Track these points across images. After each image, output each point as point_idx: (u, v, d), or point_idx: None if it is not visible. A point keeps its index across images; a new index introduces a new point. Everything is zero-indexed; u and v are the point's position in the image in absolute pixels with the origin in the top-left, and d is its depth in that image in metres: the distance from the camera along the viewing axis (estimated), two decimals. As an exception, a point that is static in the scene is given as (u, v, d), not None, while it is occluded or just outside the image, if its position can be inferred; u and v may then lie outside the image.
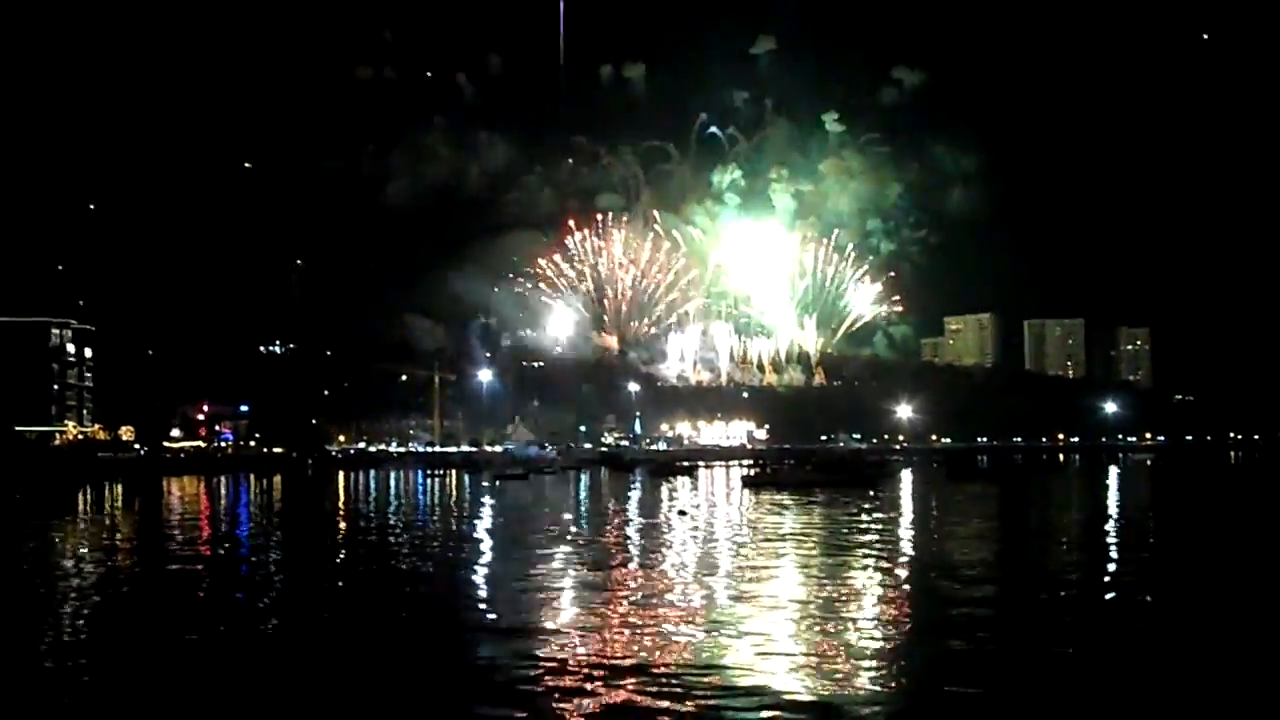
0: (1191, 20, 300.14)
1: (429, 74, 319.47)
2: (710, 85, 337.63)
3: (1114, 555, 41.59)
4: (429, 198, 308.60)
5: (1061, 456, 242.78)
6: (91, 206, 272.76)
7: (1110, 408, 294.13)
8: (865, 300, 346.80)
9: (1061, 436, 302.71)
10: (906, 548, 44.13)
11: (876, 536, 47.44)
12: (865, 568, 36.37)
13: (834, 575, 34.36)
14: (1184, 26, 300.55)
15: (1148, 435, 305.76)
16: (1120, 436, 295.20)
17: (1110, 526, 55.52)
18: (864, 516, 59.52)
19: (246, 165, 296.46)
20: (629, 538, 49.64)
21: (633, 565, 37.96)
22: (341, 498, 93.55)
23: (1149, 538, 49.45)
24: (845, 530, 50.76)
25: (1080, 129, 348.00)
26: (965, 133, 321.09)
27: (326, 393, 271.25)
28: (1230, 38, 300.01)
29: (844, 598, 29.67)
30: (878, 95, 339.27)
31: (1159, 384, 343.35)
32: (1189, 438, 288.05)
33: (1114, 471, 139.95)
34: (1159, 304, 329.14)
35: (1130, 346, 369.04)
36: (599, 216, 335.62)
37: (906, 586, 32.58)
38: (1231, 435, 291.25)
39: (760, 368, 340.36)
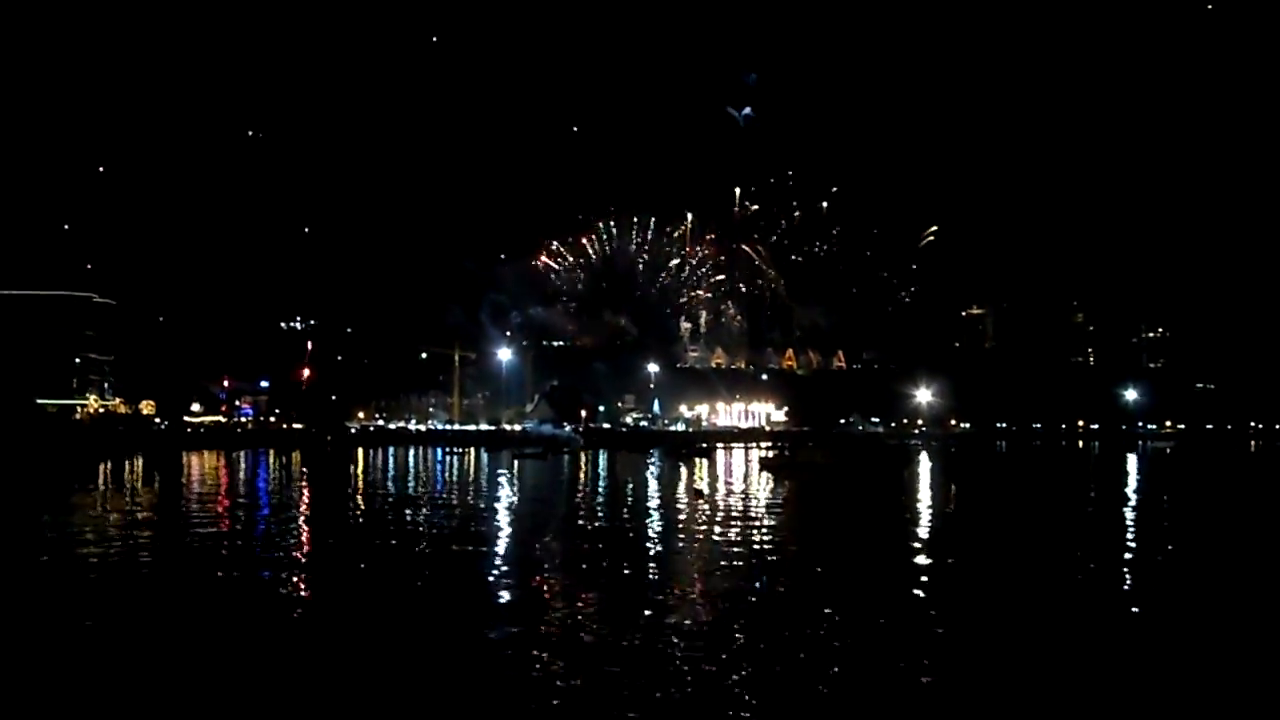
0: (1215, 10, 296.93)
1: (434, 39, 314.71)
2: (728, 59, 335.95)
3: (1129, 543, 41.46)
4: (441, 175, 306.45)
5: (1080, 443, 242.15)
6: (100, 169, 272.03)
7: (1130, 395, 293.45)
8: (883, 283, 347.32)
9: (1081, 423, 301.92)
10: (921, 531, 44.18)
11: (893, 519, 47.55)
12: (880, 551, 36.48)
13: (848, 560, 34.40)
14: (1205, 15, 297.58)
15: (1168, 423, 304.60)
16: (1140, 424, 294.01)
17: (1125, 514, 55.44)
18: (880, 500, 59.62)
19: (251, 133, 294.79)
20: (645, 517, 49.95)
21: (643, 545, 38.20)
22: (360, 475, 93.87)
23: (1165, 525, 49.23)
24: (860, 513, 50.86)
25: (1103, 115, 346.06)
26: (981, 121, 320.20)
27: (346, 369, 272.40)
28: (1252, 27, 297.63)
29: (858, 585, 29.71)
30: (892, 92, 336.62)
31: (1179, 372, 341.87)
32: (1209, 426, 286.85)
33: (1132, 459, 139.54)
34: (1180, 292, 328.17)
35: (1151, 334, 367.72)
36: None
37: (923, 574, 32.61)
38: (1252, 424, 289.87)
39: (779, 350, 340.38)
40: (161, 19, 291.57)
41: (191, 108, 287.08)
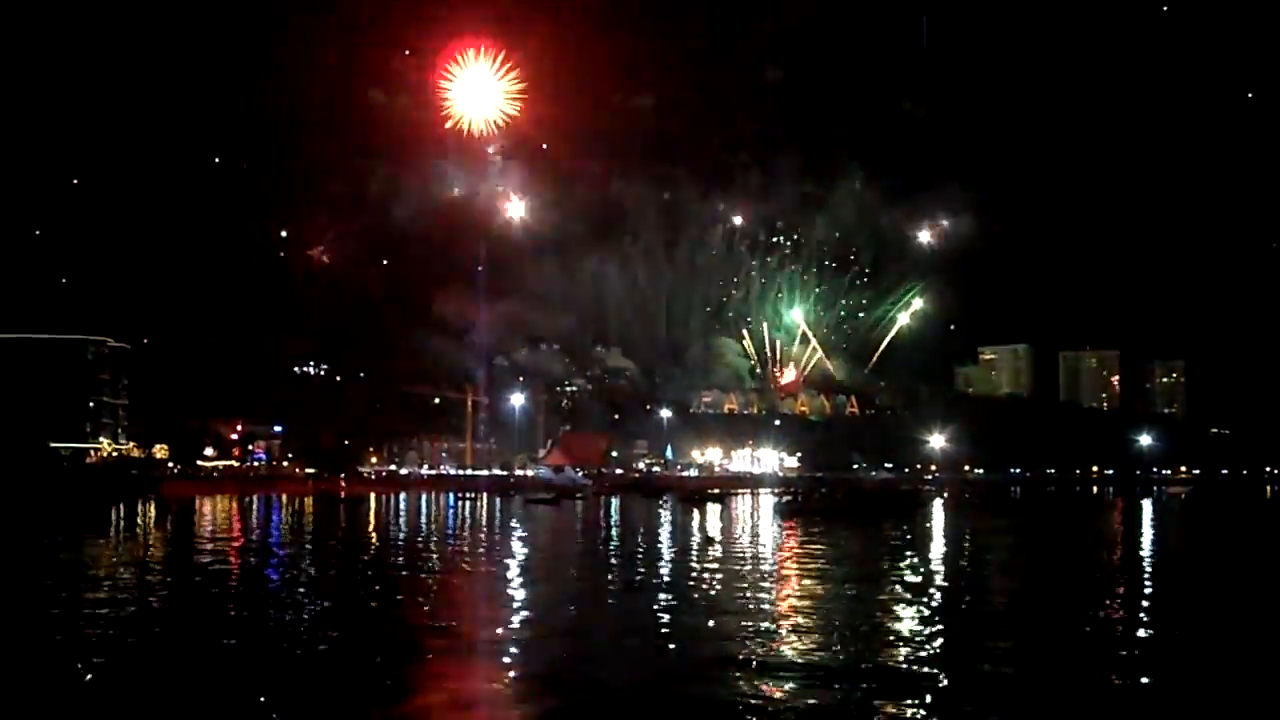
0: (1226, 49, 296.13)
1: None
2: (720, 114, 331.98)
3: (1146, 596, 41.04)
4: (430, 218, 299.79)
5: (1095, 489, 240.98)
6: (83, 187, 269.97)
7: (1145, 440, 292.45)
8: (892, 328, 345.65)
9: (1096, 469, 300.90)
10: (936, 579, 43.75)
11: (907, 568, 47.17)
12: (895, 602, 36.12)
13: (863, 612, 34.05)
14: (1219, 56, 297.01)
15: (1183, 468, 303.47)
16: (1155, 469, 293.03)
17: (1141, 565, 54.97)
18: (895, 548, 59.27)
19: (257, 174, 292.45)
20: (656, 567, 49.61)
21: (658, 596, 37.93)
22: (372, 522, 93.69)
23: (1179, 576, 48.74)
24: (876, 562, 50.47)
25: (1113, 160, 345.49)
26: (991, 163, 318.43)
27: (358, 413, 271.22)
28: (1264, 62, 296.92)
29: (871, 636, 29.41)
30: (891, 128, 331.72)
31: (1194, 417, 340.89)
32: (1224, 471, 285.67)
33: (1147, 505, 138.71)
34: (1195, 336, 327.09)
35: (1166, 379, 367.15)
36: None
37: (937, 624, 32.25)
38: (1268, 470, 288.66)
39: (792, 395, 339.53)
40: (183, 59, 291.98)
41: (208, 151, 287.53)
